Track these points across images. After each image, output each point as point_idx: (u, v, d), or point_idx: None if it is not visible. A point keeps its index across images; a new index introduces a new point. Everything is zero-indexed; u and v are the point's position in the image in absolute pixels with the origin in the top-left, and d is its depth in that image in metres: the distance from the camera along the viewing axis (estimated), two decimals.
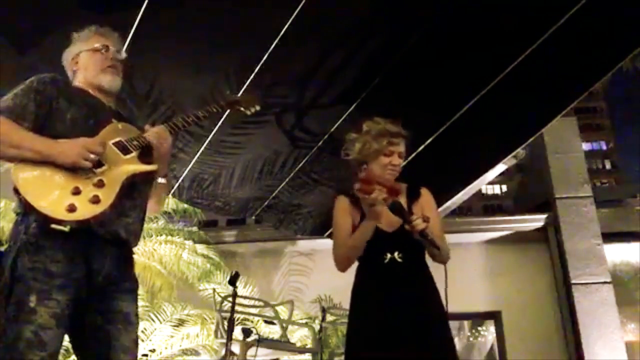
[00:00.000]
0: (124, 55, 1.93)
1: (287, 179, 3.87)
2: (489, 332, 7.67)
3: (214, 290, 4.47)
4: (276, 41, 2.73)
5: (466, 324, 9.07)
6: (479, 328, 8.78)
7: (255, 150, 3.59)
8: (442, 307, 2.08)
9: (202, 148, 3.19)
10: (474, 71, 3.02)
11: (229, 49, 2.80)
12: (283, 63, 2.86)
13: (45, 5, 2.46)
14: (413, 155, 3.31)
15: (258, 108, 2.22)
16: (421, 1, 2.72)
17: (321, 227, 4.52)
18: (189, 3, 2.59)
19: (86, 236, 1.59)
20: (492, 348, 7.55)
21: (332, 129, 3.40)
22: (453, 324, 4.30)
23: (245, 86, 2.96)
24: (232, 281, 3.42)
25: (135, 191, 1.74)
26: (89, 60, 1.86)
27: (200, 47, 2.74)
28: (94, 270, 1.61)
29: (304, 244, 6.76)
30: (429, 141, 3.47)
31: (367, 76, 3.06)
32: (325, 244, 5.52)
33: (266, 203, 4.12)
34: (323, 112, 3.32)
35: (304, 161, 3.70)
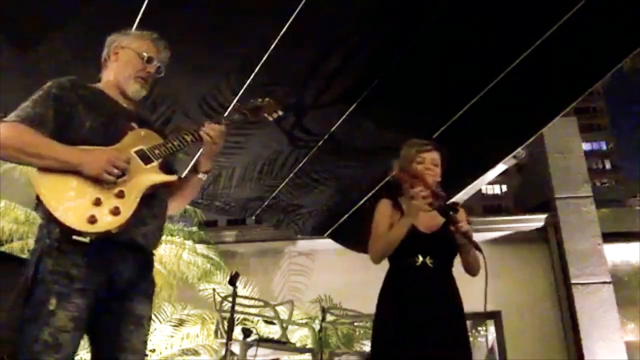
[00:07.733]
0: (161, 74, 1.91)
1: (287, 179, 3.86)
2: (489, 332, 7.66)
3: (214, 290, 4.46)
4: (276, 41, 2.73)
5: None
6: (479, 328, 8.76)
7: (255, 150, 3.58)
8: (464, 317, 2.27)
9: (202, 149, 3.18)
10: (474, 71, 3.02)
11: (229, 49, 2.80)
12: (283, 63, 2.87)
13: (46, 5, 2.46)
14: None
15: (280, 114, 2.05)
16: (420, 2, 2.72)
17: (321, 227, 4.52)
18: (188, 3, 2.59)
19: (107, 242, 1.60)
20: (492, 348, 7.53)
21: (332, 129, 3.40)
22: None
23: (245, 86, 2.96)
24: (232, 281, 3.42)
25: (154, 199, 1.73)
26: (129, 61, 1.84)
27: (200, 47, 2.73)
28: (114, 274, 1.63)
29: (304, 244, 6.75)
30: None
31: (366, 76, 3.06)
32: (325, 244, 5.52)
33: (266, 203, 4.12)
34: (323, 112, 3.32)
35: (304, 161, 3.69)
